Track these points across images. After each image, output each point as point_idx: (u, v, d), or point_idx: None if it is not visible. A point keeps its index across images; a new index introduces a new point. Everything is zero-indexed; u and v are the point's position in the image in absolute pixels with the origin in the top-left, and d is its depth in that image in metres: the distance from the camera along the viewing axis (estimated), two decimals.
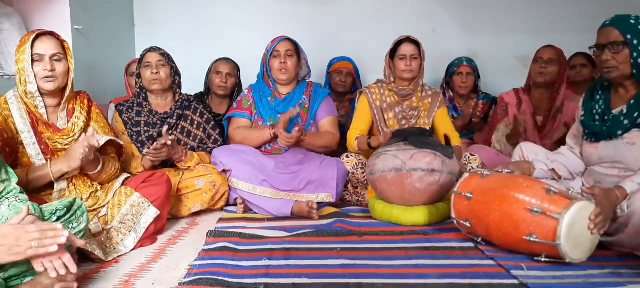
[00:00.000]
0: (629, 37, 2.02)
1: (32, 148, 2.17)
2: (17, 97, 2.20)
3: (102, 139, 2.28)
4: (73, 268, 1.49)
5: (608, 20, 2.10)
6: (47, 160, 2.16)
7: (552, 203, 1.87)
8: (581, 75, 3.63)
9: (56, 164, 2.14)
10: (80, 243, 1.57)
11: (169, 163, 2.85)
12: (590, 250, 1.90)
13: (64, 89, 2.24)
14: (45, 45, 2.14)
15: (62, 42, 2.21)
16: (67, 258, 1.48)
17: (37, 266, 1.47)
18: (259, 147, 3.01)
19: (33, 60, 2.13)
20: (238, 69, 3.63)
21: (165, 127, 2.70)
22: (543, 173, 2.30)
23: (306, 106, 3.11)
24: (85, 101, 2.38)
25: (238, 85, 3.62)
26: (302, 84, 3.17)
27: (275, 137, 2.93)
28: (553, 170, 2.30)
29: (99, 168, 2.25)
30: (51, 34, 2.20)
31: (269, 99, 3.10)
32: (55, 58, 2.16)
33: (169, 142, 2.60)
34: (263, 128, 3.02)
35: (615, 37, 2.04)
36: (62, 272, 1.48)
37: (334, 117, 3.16)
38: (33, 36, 2.14)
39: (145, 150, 2.66)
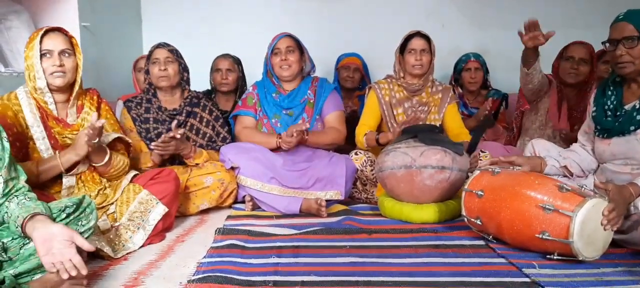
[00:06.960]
0: None
1: (41, 143, 2.18)
2: (27, 93, 2.22)
3: (110, 136, 2.29)
4: (84, 270, 1.52)
5: (621, 14, 2.06)
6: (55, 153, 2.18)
7: (565, 201, 1.84)
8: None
9: (64, 154, 2.16)
10: (90, 248, 1.59)
11: (177, 161, 2.85)
12: (603, 248, 1.87)
13: (72, 84, 2.25)
14: (54, 41, 2.16)
15: (70, 38, 2.23)
16: (78, 260, 1.51)
17: (49, 266, 1.50)
18: None
19: (42, 56, 2.14)
20: (238, 63, 3.60)
21: (175, 122, 2.69)
22: (555, 169, 2.27)
23: (311, 102, 3.08)
24: (95, 97, 2.39)
25: (242, 79, 3.60)
26: (306, 79, 3.13)
27: (280, 147, 2.90)
28: (565, 167, 2.27)
29: (106, 159, 2.25)
30: (59, 29, 2.21)
31: (274, 95, 3.07)
32: (63, 53, 2.17)
33: (178, 136, 2.59)
34: (270, 134, 2.97)
35: (629, 32, 2.01)
36: (74, 273, 1.51)
37: (340, 112, 3.11)
38: (41, 32, 2.15)
39: (153, 144, 2.66)
